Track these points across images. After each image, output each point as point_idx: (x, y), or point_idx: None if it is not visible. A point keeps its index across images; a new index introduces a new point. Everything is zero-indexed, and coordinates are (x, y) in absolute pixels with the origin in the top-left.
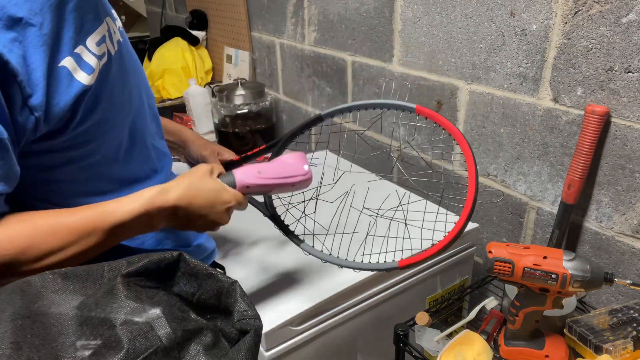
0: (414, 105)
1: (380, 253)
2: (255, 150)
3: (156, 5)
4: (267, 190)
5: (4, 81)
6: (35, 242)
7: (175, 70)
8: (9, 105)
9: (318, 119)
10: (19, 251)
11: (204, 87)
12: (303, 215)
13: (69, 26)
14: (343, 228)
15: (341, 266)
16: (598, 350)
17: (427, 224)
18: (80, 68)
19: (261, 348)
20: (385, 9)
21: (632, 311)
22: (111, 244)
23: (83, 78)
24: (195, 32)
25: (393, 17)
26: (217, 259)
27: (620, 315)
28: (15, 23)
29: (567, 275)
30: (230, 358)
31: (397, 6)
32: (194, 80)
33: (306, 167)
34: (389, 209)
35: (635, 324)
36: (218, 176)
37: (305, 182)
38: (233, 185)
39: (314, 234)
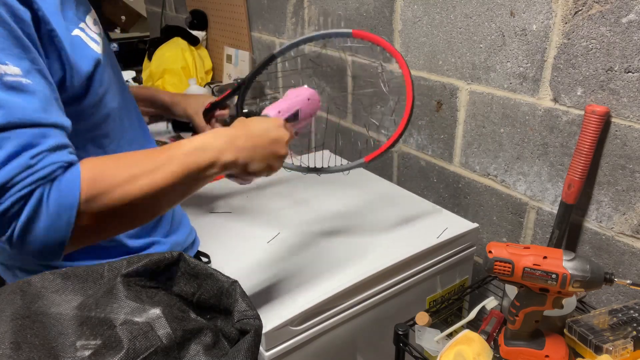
0: (350, 30)
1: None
2: (222, 96)
3: (156, 5)
4: (295, 116)
5: (38, 25)
6: (122, 168)
7: (175, 70)
8: (46, 52)
9: (272, 58)
10: (106, 180)
11: (204, 87)
12: None
13: (70, 5)
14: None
15: (319, 173)
16: (598, 350)
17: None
18: (90, 39)
19: (261, 348)
20: (385, 9)
21: (632, 311)
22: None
23: (95, 47)
24: (195, 32)
25: (393, 17)
26: (218, 259)
27: (620, 315)
28: None
29: (567, 275)
30: (230, 358)
31: (397, 6)
32: (194, 80)
33: (311, 90)
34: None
35: (635, 324)
36: None
37: (317, 101)
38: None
39: (291, 156)
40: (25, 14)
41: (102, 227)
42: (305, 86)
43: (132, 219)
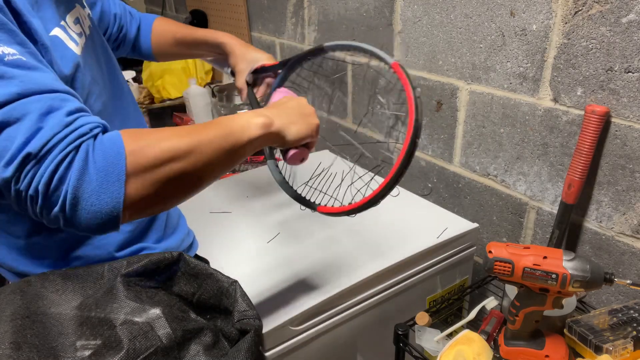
0: (390, 62)
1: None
2: (272, 64)
3: (156, 5)
4: None
5: (15, 15)
6: (164, 139)
7: (175, 70)
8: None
9: (321, 50)
10: (149, 145)
11: (204, 87)
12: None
13: (48, 5)
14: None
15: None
16: (598, 350)
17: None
18: (70, 39)
19: (261, 348)
20: (385, 9)
21: (632, 311)
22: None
23: (74, 48)
24: None
25: (393, 17)
26: (217, 259)
27: (620, 315)
28: None
29: (567, 275)
30: (230, 358)
31: (397, 6)
32: (194, 80)
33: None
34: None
35: (635, 324)
36: None
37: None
38: None
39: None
40: (3, 6)
41: (153, 187)
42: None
43: (181, 180)
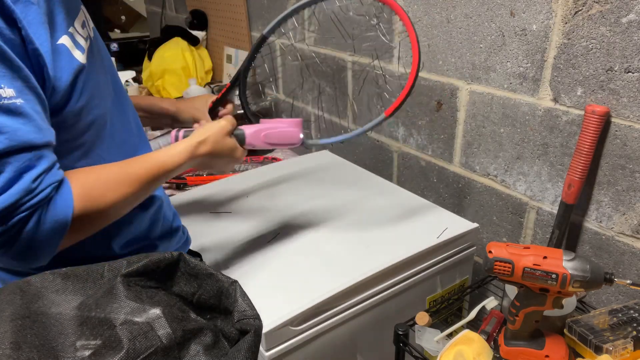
0: None
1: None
2: (221, 93)
3: (156, 5)
4: (266, 149)
5: (23, 45)
6: (110, 191)
7: (175, 70)
8: (31, 69)
9: (263, 39)
10: (96, 200)
11: (204, 87)
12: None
13: (59, 8)
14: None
15: (342, 141)
16: (598, 350)
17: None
18: (75, 47)
19: (261, 348)
20: (385, 9)
21: (632, 311)
22: (156, 188)
23: (79, 56)
24: (195, 32)
25: (393, 17)
26: (218, 259)
27: (620, 315)
28: (17, 0)
29: (567, 275)
30: (230, 358)
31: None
32: (194, 80)
33: (301, 136)
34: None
35: (635, 324)
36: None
37: (296, 146)
38: (242, 142)
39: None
40: (13, 33)
41: (86, 233)
42: (301, 134)
43: (113, 219)
